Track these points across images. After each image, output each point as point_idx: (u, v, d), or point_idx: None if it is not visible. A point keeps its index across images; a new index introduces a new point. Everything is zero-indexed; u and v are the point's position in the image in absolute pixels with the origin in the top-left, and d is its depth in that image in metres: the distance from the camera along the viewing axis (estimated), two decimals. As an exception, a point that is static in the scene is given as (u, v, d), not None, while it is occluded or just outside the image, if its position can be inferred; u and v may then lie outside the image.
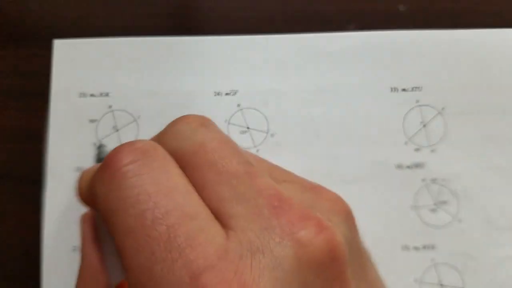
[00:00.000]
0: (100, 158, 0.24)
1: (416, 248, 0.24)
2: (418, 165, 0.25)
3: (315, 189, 0.16)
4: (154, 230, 0.12)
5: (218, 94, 0.25)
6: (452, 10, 0.27)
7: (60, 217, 0.24)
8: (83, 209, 0.24)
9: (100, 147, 0.25)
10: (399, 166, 0.25)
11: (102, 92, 0.25)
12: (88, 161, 0.25)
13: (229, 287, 0.11)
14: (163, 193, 0.13)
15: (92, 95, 0.25)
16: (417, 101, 0.25)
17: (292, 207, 0.13)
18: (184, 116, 0.16)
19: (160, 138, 0.16)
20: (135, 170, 0.13)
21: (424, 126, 0.25)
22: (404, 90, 0.25)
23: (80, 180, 0.17)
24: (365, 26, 0.26)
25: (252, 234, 0.13)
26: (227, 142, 0.15)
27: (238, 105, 0.25)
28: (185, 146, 0.15)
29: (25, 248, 0.25)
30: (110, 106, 0.25)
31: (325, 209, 0.14)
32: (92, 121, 0.25)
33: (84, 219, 0.20)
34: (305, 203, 0.14)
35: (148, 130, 0.25)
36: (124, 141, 0.25)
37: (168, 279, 0.12)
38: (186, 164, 0.14)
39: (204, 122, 0.16)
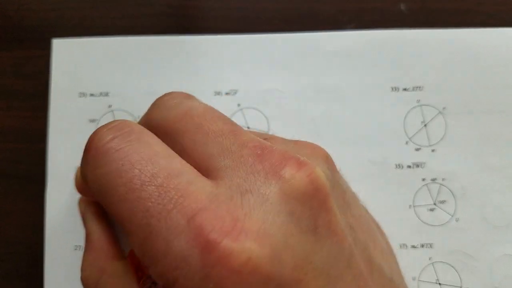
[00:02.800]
0: None
1: (414, 247, 0.24)
2: (418, 165, 0.25)
3: (295, 141, 0.17)
4: (143, 191, 0.13)
5: (218, 93, 0.25)
6: (453, 9, 0.26)
7: (61, 216, 0.24)
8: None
9: None
10: (399, 166, 0.25)
11: (101, 91, 0.25)
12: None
13: (223, 222, 0.12)
14: (145, 160, 0.14)
15: (91, 94, 0.25)
16: (418, 101, 0.25)
17: (274, 152, 0.14)
18: (168, 92, 0.18)
19: (148, 114, 0.17)
20: (115, 146, 0.14)
21: (425, 125, 0.25)
22: (405, 89, 0.25)
23: (76, 174, 0.19)
24: (366, 25, 0.26)
25: (240, 179, 0.14)
26: (211, 108, 0.16)
27: (238, 105, 0.25)
28: (171, 115, 0.16)
29: (29, 246, 0.25)
30: (110, 106, 0.25)
31: (305, 155, 0.15)
32: (92, 120, 0.25)
33: (82, 200, 0.21)
34: (287, 150, 0.15)
35: (148, 130, 0.25)
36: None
37: (166, 227, 0.12)
38: (174, 131, 0.15)
39: (188, 96, 0.18)
